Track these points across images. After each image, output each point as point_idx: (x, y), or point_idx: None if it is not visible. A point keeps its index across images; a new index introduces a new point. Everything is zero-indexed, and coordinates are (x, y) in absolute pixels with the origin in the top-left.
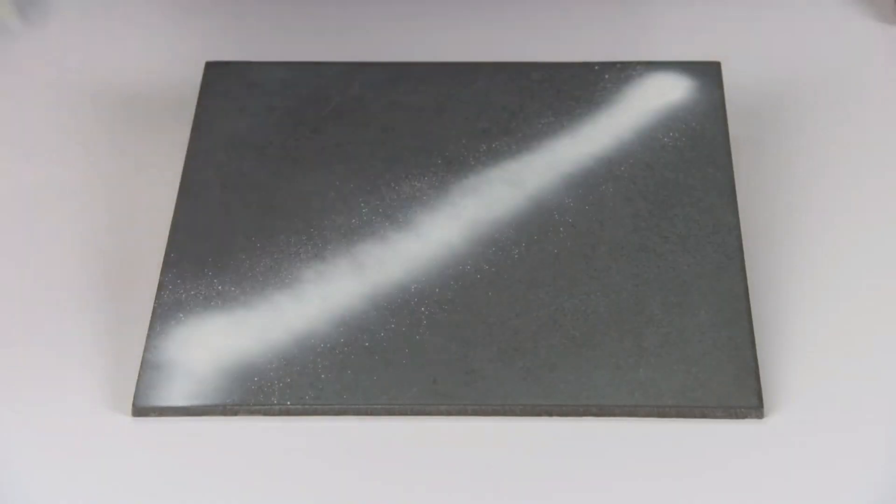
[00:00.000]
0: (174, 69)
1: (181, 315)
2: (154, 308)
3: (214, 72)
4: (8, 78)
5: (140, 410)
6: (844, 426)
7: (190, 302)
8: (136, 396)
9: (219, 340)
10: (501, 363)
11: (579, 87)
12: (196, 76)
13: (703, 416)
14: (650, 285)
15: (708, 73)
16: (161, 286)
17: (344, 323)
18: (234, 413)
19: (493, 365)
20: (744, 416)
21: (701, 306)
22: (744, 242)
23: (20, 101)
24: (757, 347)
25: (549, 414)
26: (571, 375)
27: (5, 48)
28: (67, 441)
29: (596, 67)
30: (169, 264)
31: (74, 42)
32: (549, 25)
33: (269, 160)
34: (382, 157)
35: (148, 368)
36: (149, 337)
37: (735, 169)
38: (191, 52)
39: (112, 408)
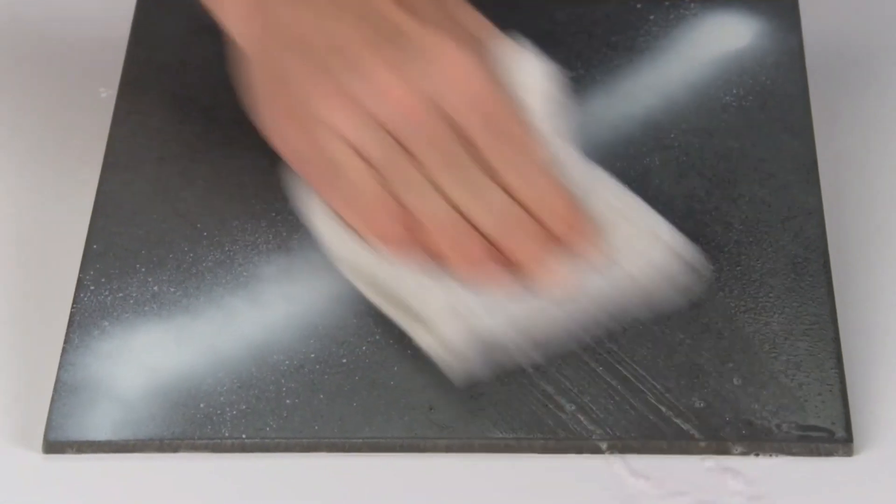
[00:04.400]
0: (95, 4)
1: (106, 323)
2: (71, 314)
3: (149, 7)
4: None
5: (53, 446)
6: None
7: (117, 306)
8: (48, 428)
9: (155, 356)
10: (515, 386)
11: (616, 31)
12: (126, 13)
13: (778, 451)
14: (708, 285)
15: (782, 13)
16: (80, 286)
17: (315, 334)
18: (175, 449)
19: (504, 388)
20: (829, 453)
21: (773, 312)
22: (827, 230)
23: None
24: (845, 364)
25: (578, 451)
26: (606, 402)
27: None
28: None
29: (638, 6)
30: (90, 258)
31: None
32: None
33: (220, 124)
34: None
35: (63, 392)
36: (64, 351)
37: (817, 136)
38: None
39: (17, 442)
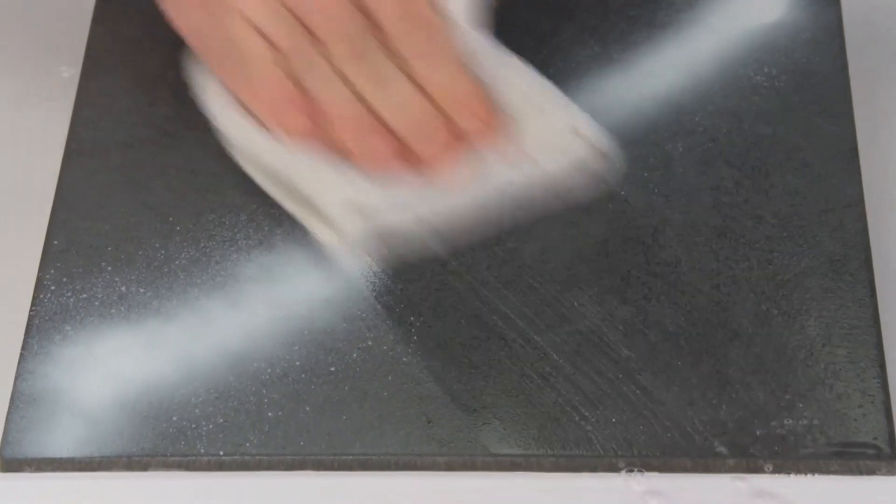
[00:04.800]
0: None
1: (68, 328)
2: (30, 318)
3: None
4: None
5: (10, 464)
6: None
7: (81, 309)
8: (3, 444)
9: (122, 364)
10: (522, 397)
11: (636, 3)
12: None
13: (814, 470)
14: (737, 286)
15: None
16: (40, 286)
17: (300, 339)
18: (144, 467)
19: (510, 399)
20: (871, 471)
21: (809, 316)
22: (869, 225)
23: None
24: (889, 373)
25: (592, 469)
26: (622, 415)
27: None
28: None
29: None
30: (51, 255)
31: None
32: None
33: (193, 107)
34: None
35: (20, 404)
36: (22, 359)
37: (857, 121)
38: None
39: None
